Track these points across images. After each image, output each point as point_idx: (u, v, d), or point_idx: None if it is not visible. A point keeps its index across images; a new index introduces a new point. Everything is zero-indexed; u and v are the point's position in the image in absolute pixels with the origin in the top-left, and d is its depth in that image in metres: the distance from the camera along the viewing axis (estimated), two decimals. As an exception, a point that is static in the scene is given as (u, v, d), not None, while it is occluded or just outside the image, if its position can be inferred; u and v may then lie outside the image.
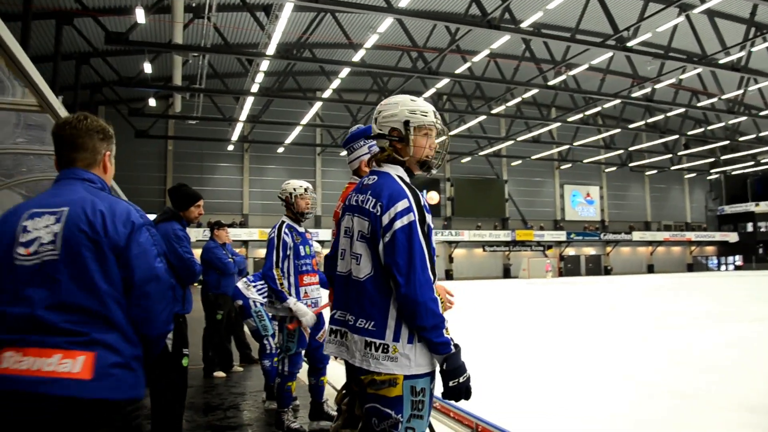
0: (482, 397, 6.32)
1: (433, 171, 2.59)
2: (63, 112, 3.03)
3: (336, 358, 2.67)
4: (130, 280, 1.98)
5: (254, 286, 6.00)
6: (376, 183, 2.44)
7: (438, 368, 2.32)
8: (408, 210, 2.31)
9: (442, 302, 2.41)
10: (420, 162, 2.53)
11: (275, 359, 5.73)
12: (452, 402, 2.61)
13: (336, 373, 5.37)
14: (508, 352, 9.66)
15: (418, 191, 2.42)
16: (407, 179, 2.49)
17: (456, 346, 2.30)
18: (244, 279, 6.13)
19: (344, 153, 3.73)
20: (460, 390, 2.27)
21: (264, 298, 5.91)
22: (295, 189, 4.95)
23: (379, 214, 2.33)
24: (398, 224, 2.29)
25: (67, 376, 1.78)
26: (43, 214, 1.96)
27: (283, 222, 4.92)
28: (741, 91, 30.52)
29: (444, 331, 2.27)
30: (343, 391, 2.87)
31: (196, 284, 6.13)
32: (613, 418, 5.48)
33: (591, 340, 10.80)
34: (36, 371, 1.77)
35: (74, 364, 1.80)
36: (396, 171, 2.49)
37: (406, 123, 2.46)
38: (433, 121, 2.51)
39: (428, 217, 2.39)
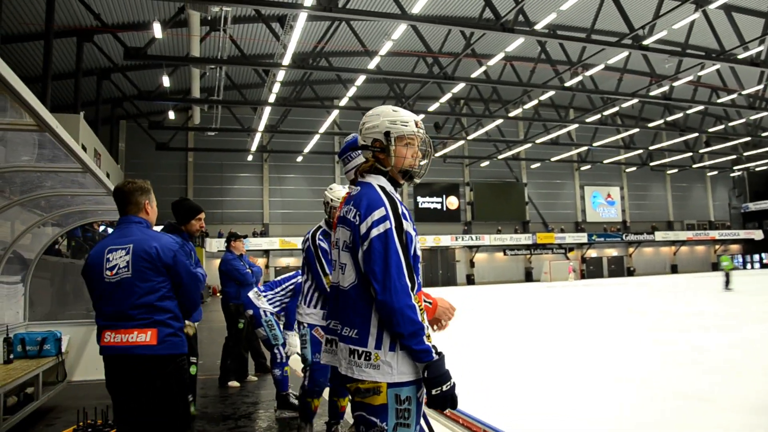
0: (492, 400, 6.37)
1: (416, 180, 2.61)
2: (61, 131, 3.15)
3: None
4: (180, 282, 3.28)
5: (264, 296, 6.05)
6: (358, 194, 2.48)
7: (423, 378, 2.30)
8: (384, 218, 2.34)
9: (438, 319, 2.53)
10: (403, 171, 2.55)
11: (285, 368, 6.01)
12: (461, 409, 2.64)
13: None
14: (521, 355, 9.68)
15: (397, 199, 2.45)
16: (389, 188, 2.51)
17: (439, 353, 2.29)
18: (255, 289, 6.17)
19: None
20: (444, 398, 2.25)
21: (275, 308, 6.01)
22: (332, 200, 4.71)
23: (357, 223, 2.38)
24: (374, 232, 2.32)
25: (143, 343, 3.10)
26: (117, 249, 3.22)
27: (318, 228, 4.79)
28: (762, 86, 30.20)
29: (424, 338, 2.26)
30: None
31: (218, 294, 6.25)
32: (620, 420, 5.49)
33: (604, 343, 10.78)
34: (126, 342, 3.09)
35: (146, 336, 3.10)
36: (378, 181, 2.51)
37: (387, 133, 2.50)
38: (413, 130, 2.54)
39: (406, 225, 2.39)
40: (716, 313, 15.45)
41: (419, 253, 2.49)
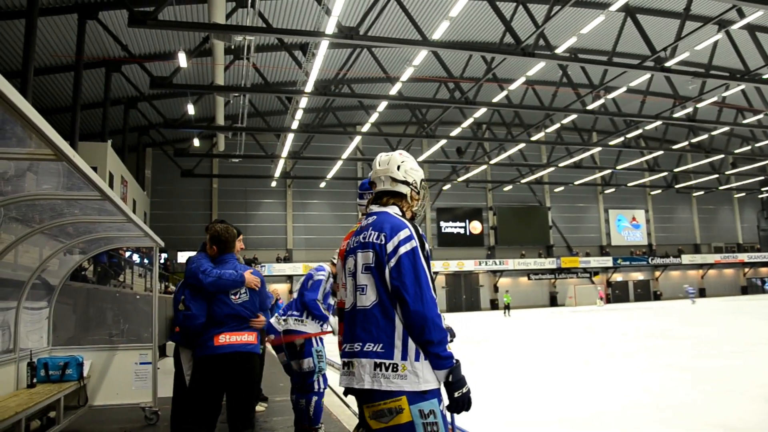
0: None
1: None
2: (78, 160, 3.23)
3: (347, 395, 2.84)
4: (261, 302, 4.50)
5: (293, 318, 5.82)
6: (376, 220, 2.70)
7: (443, 382, 2.49)
8: (410, 238, 2.57)
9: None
10: (413, 215, 2.89)
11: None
12: None
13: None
14: (545, 384, 9.55)
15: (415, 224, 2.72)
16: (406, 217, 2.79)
17: (457, 360, 2.49)
18: (276, 315, 5.85)
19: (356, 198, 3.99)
20: (464, 401, 2.45)
21: (320, 324, 5.71)
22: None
23: (383, 243, 2.58)
24: (402, 250, 2.54)
25: (250, 342, 4.24)
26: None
27: None
28: (788, 107, 29.82)
29: (447, 345, 2.49)
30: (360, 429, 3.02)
31: None
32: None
33: (624, 368, 10.59)
34: (241, 341, 4.19)
35: (250, 337, 4.24)
36: (393, 210, 2.77)
37: (422, 180, 2.90)
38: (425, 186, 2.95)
39: (426, 245, 2.63)
40: (755, 338, 15.13)
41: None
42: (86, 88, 24.36)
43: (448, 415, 2.55)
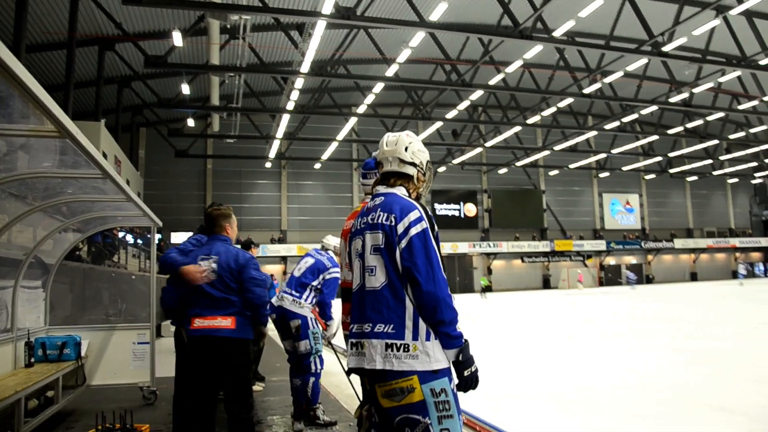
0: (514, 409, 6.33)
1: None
2: (81, 138, 3.19)
3: (349, 375, 2.95)
4: (245, 283, 4.14)
5: (299, 298, 5.55)
6: (384, 201, 2.70)
7: (453, 361, 2.53)
8: (420, 219, 2.58)
9: None
10: (418, 196, 2.88)
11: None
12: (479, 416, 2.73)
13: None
14: (536, 362, 9.60)
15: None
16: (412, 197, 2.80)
17: (466, 339, 2.53)
18: (285, 295, 5.58)
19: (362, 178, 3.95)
20: (473, 379, 2.51)
21: (311, 304, 5.64)
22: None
23: (393, 224, 2.59)
24: (413, 231, 2.55)
25: (226, 327, 4.01)
26: (208, 258, 4.15)
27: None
28: (783, 93, 29.88)
29: (457, 325, 2.52)
30: (364, 405, 3.14)
31: None
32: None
33: (616, 349, 10.66)
34: (211, 326, 4.00)
35: (227, 323, 4.02)
36: (401, 191, 2.77)
37: (428, 162, 2.91)
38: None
39: (435, 227, 2.65)
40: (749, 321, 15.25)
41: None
42: (79, 67, 24.14)
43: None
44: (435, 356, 2.46)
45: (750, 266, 54.40)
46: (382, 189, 2.80)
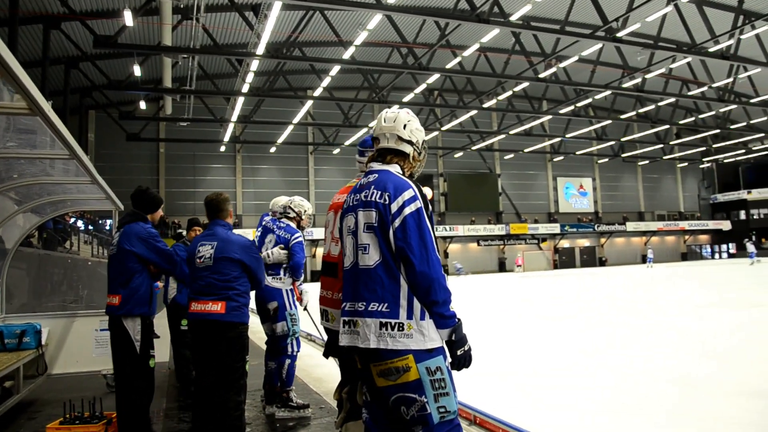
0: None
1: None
2: (53, 116, 3.04)
3: (328, 357, 3.14)
4: (249, 270, 4.26)
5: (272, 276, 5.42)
6: (378, 179, 2.67)
7: (446, 341, 2.54)
8: (414, 198, 2.56)
9: None
10: (411, 175, 2.86)
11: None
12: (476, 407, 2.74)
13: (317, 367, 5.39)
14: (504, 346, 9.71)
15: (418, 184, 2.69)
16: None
17: (459, 319, 2.55)
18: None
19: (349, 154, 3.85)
20: (466, 358, 2.55)
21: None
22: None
23: (387, 203, 2.55)
24: (407, 210, 2.52)
25: (215, 311, 4.06)
26: (206, 243, 4.24)
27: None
28: (731, 80, 30.72)
29: (450, 305, 2.54)
30: (344, 386, 3.14)
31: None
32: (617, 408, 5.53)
33: (592, 331, 10.86)
34: (203, 310, 4.09)
35: (217, 307, 4.06)
36: (395, 169, 2.75)
37: (423, 141, 2.90)
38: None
39: (429, 206, 2.66)
40: (707, 299, 15.70)
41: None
42: (23, 46, 23.25)
43: None
44: (429, 335, 2.46)
45: (699, 248, 56.26)
46: (376, 165, 2.76)
